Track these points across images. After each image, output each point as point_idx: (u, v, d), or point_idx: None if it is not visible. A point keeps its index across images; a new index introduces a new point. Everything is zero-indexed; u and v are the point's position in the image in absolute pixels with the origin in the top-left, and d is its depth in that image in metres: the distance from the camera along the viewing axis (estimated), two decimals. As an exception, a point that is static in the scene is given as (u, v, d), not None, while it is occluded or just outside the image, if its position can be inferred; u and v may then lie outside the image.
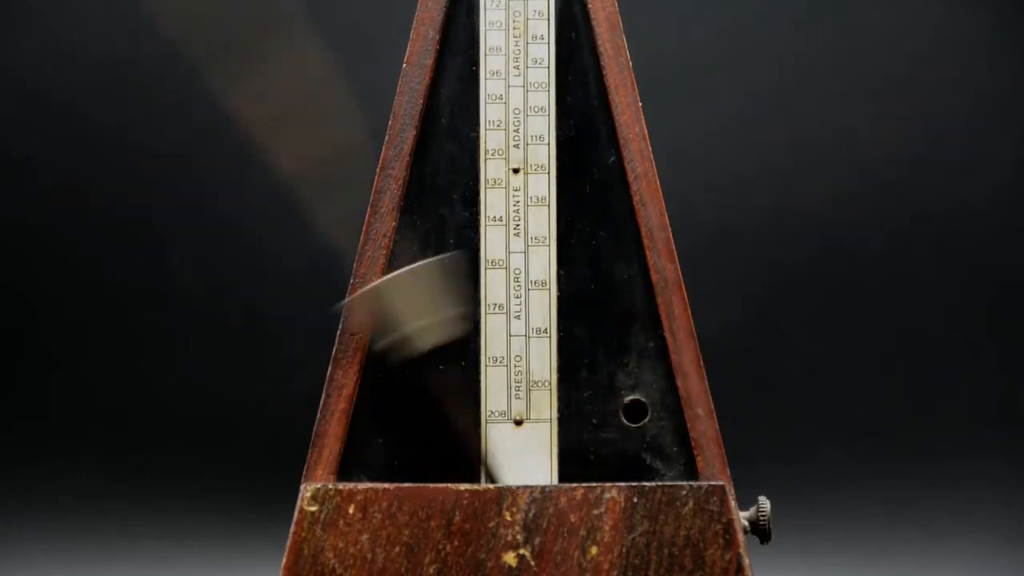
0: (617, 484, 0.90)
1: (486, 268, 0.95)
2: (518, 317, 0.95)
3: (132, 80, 1.91)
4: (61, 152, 1.91)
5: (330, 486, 0.91)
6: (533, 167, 0.96)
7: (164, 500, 1.83)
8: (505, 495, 0.90)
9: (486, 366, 0.94)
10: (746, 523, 0.93)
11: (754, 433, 1.75)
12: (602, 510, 0.90)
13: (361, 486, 0.91)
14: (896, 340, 1.88)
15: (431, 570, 0.89)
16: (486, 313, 0.95)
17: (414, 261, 0.94)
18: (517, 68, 0.96)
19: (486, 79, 0.97)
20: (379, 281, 0.93)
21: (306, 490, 0.91)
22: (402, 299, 0.92)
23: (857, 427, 1.86)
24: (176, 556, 1.79)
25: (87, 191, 1.90)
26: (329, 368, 0.94)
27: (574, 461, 0.94)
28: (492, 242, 0.95)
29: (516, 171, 0.96)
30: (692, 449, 0.93)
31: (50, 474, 1.84)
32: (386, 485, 0.91)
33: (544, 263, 0.95)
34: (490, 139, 0.96)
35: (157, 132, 1.91)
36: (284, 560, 0.90)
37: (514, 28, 0.97)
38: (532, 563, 0.89)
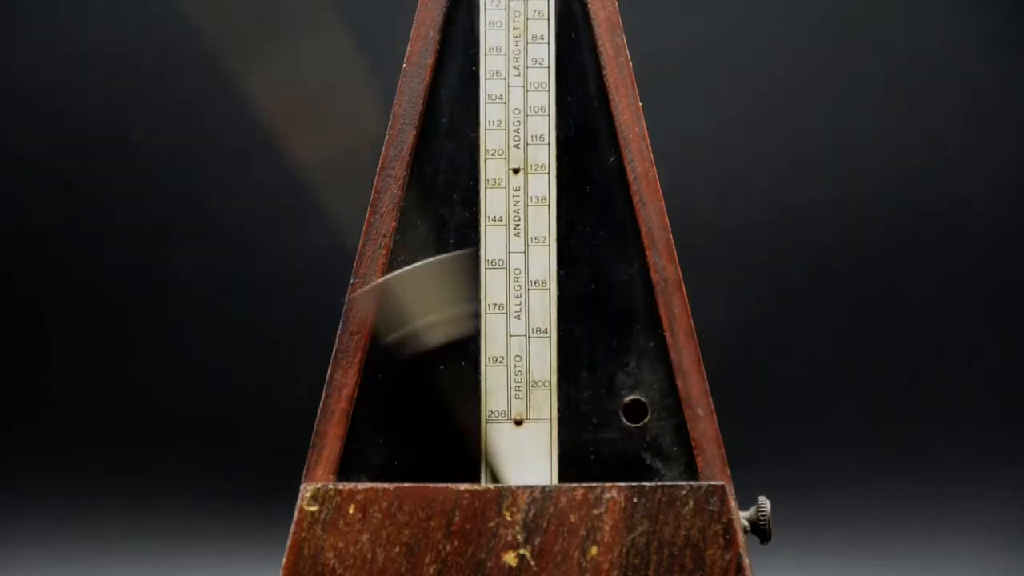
0: (617, 484, 0.90)
1: (486, 268, 0.95)
2: (518, 317, 0.95)
3: (132, 80, 1.91)
4: (61, 152, 1.91)
5: (330, 486, 0.91)
6: (533, 167, 0.96)
7: (164, 500, 1.83)
8: (505, 495, 0.90)
9: (486, 366, 0.94)
10: (746, 523, 0.93)
11: (754, 433, 1.75)
12: (602, 510, 0.90)
13: (361, 486, 0.91)
14: (896, 340, 1.88)
15: (431, 570, 0.89)
16: (486, 313, 0.95)
17: (415, 261, 0.94)
18: (517, 68, 0.96)
19: (486, 79, 0.97)
20: (389, 275, 0.93)
21: (306, 490, 0.91)
22: (412, 294, 0.92)
23: (857, 427, 1.86)
24: (176, 556, 1.79)
25: (87, 191, 1.90)
26: (329, 368, 0.94)
27: (574, 461, 0.94)
28: (492, 242, 0.95)
29: (516, 171, 0.96)
30: (692, 449, 0.93)
31: (50, 474, 1.84)
32: (386, 485, 0.91)
33: (544, 263, 0.95)
34: (490, 139, 0.96)
35: (157, 132, 1.91)
36: (284, 560, 0.90)
37: (514, 28, 0.97)
38: (532, 563, 0.89)
